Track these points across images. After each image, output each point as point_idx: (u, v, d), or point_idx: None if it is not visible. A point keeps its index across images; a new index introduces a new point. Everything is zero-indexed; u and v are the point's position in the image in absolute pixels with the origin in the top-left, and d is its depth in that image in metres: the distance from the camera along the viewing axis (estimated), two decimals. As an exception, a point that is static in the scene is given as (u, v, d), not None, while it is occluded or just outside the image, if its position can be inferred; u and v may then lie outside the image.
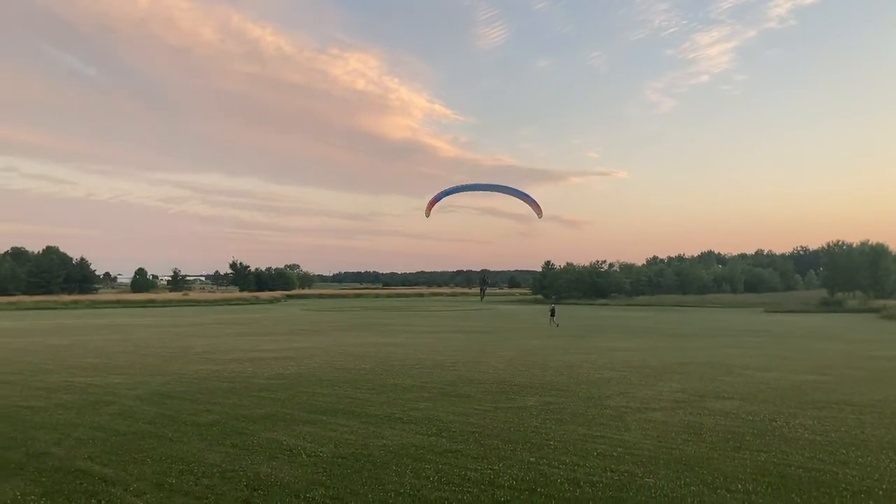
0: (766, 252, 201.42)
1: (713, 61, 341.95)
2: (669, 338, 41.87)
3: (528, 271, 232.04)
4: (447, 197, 50.49)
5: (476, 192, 53.46)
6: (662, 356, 28.79)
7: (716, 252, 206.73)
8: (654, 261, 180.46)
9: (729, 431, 13.23)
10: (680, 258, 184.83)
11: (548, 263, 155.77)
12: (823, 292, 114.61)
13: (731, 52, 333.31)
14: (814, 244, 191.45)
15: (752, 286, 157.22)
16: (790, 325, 59.09)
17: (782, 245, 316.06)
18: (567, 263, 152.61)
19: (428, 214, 51.51)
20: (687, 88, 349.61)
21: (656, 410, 15.54)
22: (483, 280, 71.70)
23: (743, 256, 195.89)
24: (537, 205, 50.91)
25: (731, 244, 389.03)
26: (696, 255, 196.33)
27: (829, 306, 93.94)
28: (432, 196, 50.63)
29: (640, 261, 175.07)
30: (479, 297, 66.00)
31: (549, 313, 56.38)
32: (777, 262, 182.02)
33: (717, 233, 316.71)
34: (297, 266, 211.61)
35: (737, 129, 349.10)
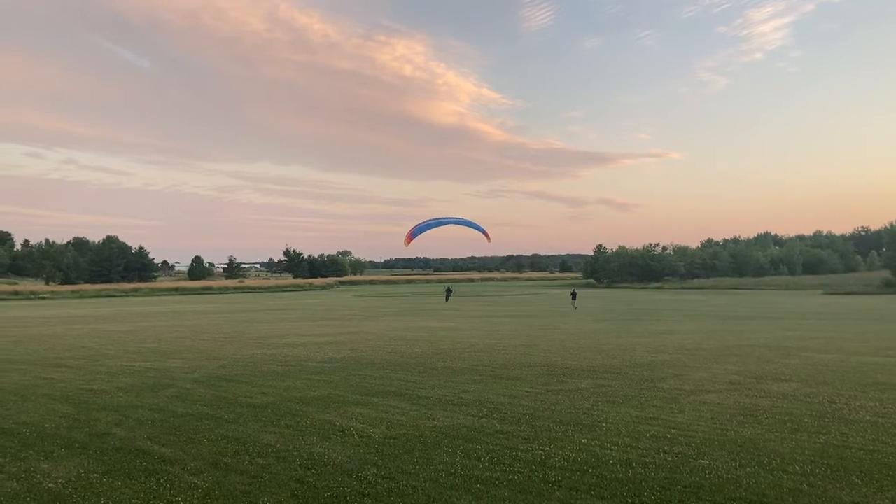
0: (825, 233, 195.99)
1: (767, 38, 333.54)
2: (725, 321, 41.15)
3: (579, 255, 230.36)
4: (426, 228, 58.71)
5: (449, 221, 60.76)
6: (718, 339, 28.32)
7: (772, 233, 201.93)
8: (708, 243, 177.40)
9: (786, 413, 12.95)
10: (735, 240, 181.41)
11: (599, 247, 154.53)
12: (886, 273, 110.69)
13: (787, 27, 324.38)
14: (875, 224, 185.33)
15: (811, 268, 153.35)
16: (851, 306, 57.54)
17: (842, 225, 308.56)
18: (619, 247, 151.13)
19: (407, 245, 58.18)
20: (740, 67, 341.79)
21: (711, 393, 15.30)
22: (448, 288, 75.94)
23: (801, 238, 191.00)
24: (486, 233, 59.17)
25: (789, 225, 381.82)
26: (752, 236, 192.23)
27: (892, 288, 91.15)
28: (409, 231, 58.06)
29: (694, 243, 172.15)
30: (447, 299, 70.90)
31: (571, 296, 60.50)
32: (837, 242, 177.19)
33: (774, 214, 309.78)
34: (349, 253, 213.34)
35: (793, 107, 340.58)
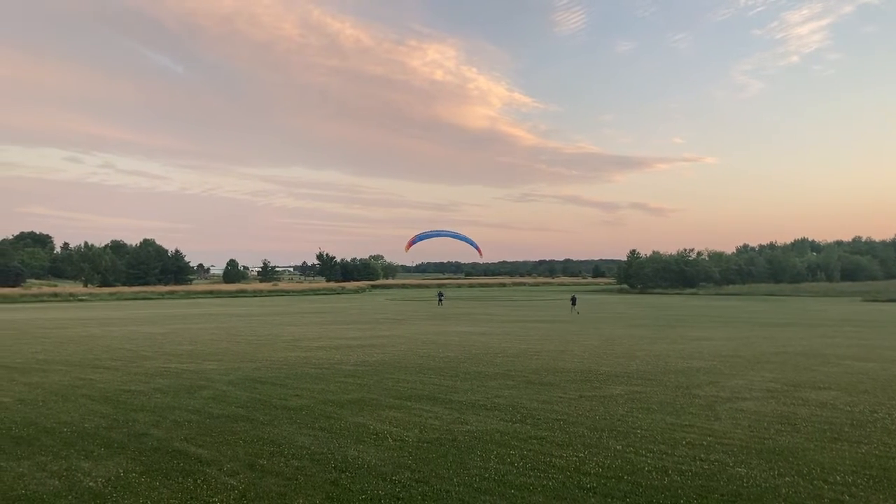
0: (864, 239, 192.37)
1: (804, 40, 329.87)
2: (761, 327, 40.54)
3: (612, 260, 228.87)
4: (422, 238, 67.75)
5: (446, 234, 69.56)
6: (754, 346, 27.92)
7: (810, 239, 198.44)
8: (744, 249, 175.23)
9: (826, 422, 12.72)
10: (772, 246, 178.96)
11: (633, 252, 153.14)
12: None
13: (824, 29, 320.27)
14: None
15: (850, 274, 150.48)
16: (892, 314, 56.34)
17: (882, 231, 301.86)
18: (653, 252, 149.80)
19: (406, 250, 66.01)
20: (776, 70, 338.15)
21: (748, 400, 15.08)
22: (440, 293, 78.25)
23: (839, 243, 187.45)
24: (479, 249, 65.66)
25: (827, 230, 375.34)
26: (788, 242, 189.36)
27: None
28: (410, 238, 66.69)
29: (729, 249, 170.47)
30: (439, 303, 73.95)
31: (571, 302, 61.77)
32: (877, 248, 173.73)
33: (811, 219, 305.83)
34: (381, 256, 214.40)
35: (830, 110, 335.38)
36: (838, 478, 9.09)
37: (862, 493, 8.47)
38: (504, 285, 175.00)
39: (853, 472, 9.34)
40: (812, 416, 13.34)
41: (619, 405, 14.42)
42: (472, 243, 63.97)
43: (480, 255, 66.53)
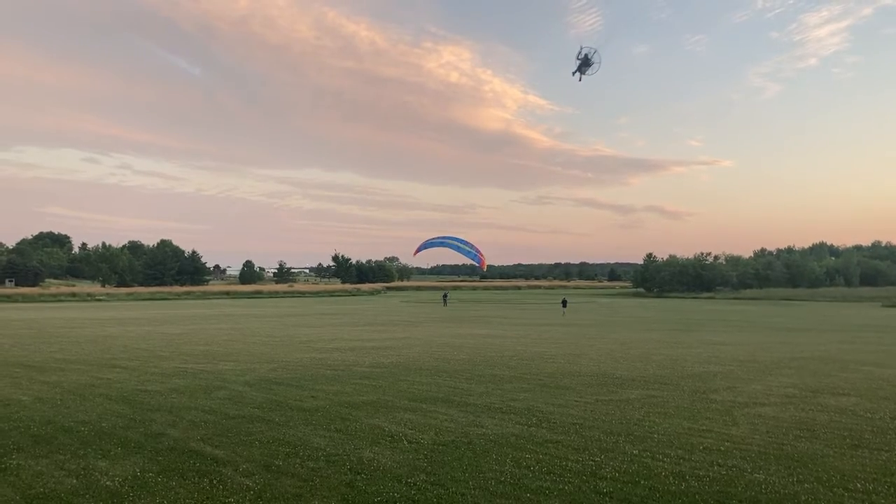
0: (884, 243, 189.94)
1: (822, 43, 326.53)
2: (779, 332, 40.19)
3: (628, 264, 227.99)
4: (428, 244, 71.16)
5: (451, 243, 72.03)
6: (771, 351, 27.67)
7: (828, 243, 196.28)
8: (762, 253, 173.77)
9: (846, 428, 12.58)
10: (790, 250, 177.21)
11: (649, 256, 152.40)
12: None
13: (843, 32, 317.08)
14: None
15: (869, 279, 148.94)
16: (912, 320, 55.68)
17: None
18: (670, 256, 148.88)
19: (413, 255, 69.86)
20: (794, 72, 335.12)
21: (766, 405, 14.95)
22: (444, 293, 79.89)
23: (858, 248, 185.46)
24: (482, 262, 68.65)
25: (845, 235, 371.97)
26: (807, 246, 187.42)
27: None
28: (419, 245, 70.70)
29: (747, 253, 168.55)
30: (443, 303, 75.73)
31: (561, 304, 64.95)
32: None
33: (830, 223, 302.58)
34: (396, 258, 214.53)
35: (849, 113, 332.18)
36: (859, 485, 8.98)
37: (883, 501, 8.37)
38: (519, 288, 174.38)
39: (874, 480, 9.23)
40: (831, 422, 13.20)
41: (636, 409, 14.33)
42: (474, 257, 65.05)
43: (483, 268, 68.49)
